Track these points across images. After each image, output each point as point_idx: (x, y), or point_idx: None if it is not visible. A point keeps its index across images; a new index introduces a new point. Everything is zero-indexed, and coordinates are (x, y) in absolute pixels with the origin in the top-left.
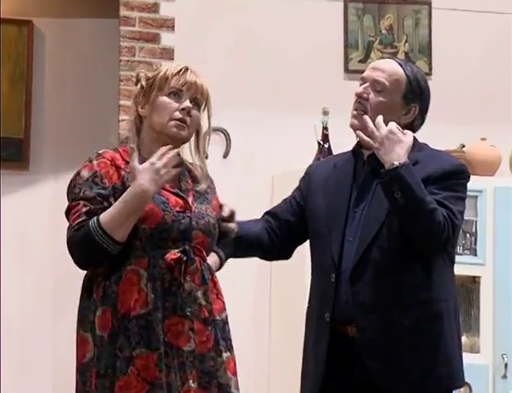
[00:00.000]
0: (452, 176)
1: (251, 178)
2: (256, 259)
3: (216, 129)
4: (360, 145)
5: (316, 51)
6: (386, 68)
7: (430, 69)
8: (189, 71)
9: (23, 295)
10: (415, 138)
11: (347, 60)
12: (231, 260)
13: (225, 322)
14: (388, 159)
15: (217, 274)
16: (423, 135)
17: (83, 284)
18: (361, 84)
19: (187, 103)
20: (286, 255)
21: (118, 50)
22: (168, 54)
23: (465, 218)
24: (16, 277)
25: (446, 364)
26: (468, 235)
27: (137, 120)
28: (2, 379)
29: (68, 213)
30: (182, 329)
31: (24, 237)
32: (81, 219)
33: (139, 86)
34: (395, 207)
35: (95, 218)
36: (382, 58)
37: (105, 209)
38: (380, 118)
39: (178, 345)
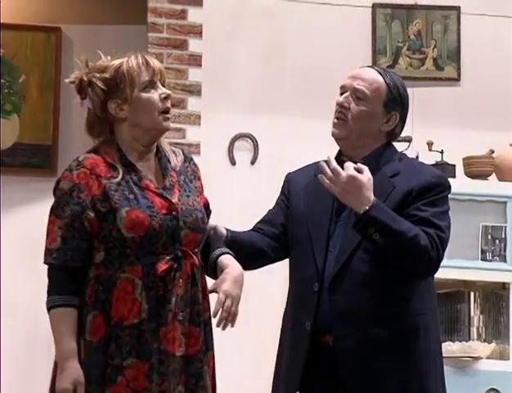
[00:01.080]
0: (435, 188)
1: (279, 184)
2: (284, 266)
3: (244, 135)
4: (341, 153)
5: (344, 57)
6: (366, 76)
7: (459, 74)
8: (149, 58)
9: None
10: (394, 148)
11: (375, 65)
12: (258, 269)
13: (207, 321)
14: (356, 205)
15: (246, 281)
16: (452, 140)
17: None
18: (341, 93)
19: (165, 90)
20: (286, 255)
21: None
22: (195, 60)
23: (494, 224)
24: (45, 283)
25: (420, 379)
26: (497, 241)
27: (107, 122)
28: (29, 383)
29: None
30: (177, 335)
31: None
32: (56, 247)
33: (98, 90)
34: (376, 248)
35: (57, 302)
36: (410, 65)
37: (78, 230)
38: (334, 163)
39: (172, 352)
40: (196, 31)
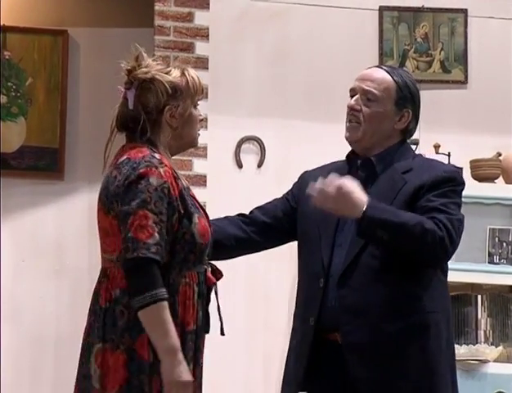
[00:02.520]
0: (447, 182)
1: (286, 187)
2: (293, 264)
3: (250, 138)
4: (353, 152)
5: (351, 60)
6: (374, 77)
7: (466, 77)
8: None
9: (58, 304)
10: (409, 146)
11: None
12: (267, 264)
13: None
14: (354, 212)
15: (253, 275)
16: (459, 143)
17: None
18: (351, 96)
19: (202, 114)
20: (262, 248)
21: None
22: (202, 63)
23: (502, 227)
24: (52, 286)
25: (430, 376)
26: (504, 244)
27: (151, 122)
28: (35, 385)
29: (129, 215)
30: (204, 347)
31: (60, 246)
32: (154, 242)
33: (163, 90)
34: (383, 245)
35: (164, 295)
36: (417, 67)
37: (168, 229)
38: (317, 184)
39: (201, 363)
40: (203, 34)
